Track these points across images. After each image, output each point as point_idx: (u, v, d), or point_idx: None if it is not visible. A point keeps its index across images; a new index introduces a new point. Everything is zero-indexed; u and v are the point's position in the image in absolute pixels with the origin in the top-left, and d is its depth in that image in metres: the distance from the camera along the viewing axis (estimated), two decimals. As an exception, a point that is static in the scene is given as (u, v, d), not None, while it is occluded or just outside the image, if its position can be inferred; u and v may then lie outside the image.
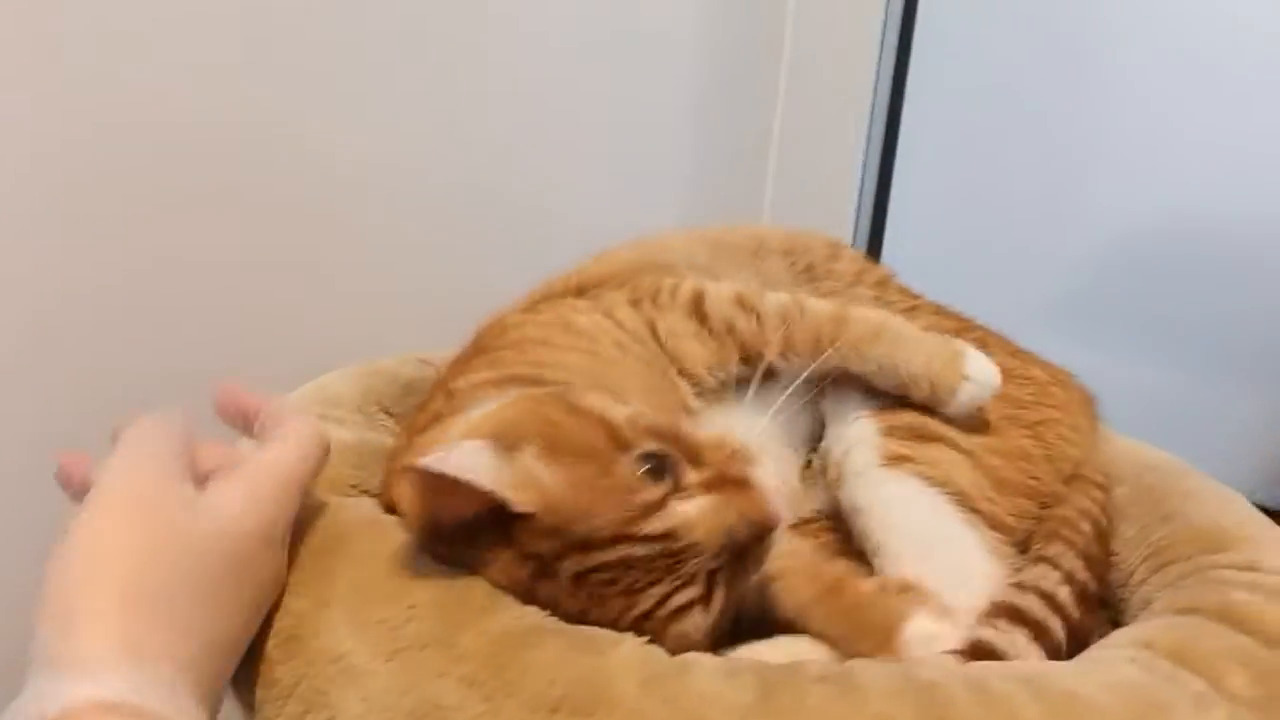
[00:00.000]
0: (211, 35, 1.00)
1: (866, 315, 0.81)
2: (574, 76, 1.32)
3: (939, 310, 0.98)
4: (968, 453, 0.80)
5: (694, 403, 0.80)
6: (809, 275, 1.00)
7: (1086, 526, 0.79)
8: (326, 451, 0.63)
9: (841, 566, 0.74)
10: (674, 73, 1.43)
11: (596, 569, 0.58)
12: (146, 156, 0.97)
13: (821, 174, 1.49)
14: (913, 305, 0.98)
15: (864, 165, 1.50)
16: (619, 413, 0.64)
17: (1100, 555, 0.79)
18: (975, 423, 0.82)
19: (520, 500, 0.57)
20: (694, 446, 0.63)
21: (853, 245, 1.46)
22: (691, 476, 0.61)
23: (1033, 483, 0.81)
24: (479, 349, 0.84)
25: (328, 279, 1.16)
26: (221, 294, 1.07)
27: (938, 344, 0.80)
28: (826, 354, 0.78)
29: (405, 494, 0.62)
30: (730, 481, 0.61)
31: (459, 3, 1.18)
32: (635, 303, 0.83)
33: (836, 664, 0.60)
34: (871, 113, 1.47)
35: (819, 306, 0.82)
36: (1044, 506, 0.81)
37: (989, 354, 0.83)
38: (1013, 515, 0.78)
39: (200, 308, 1.06)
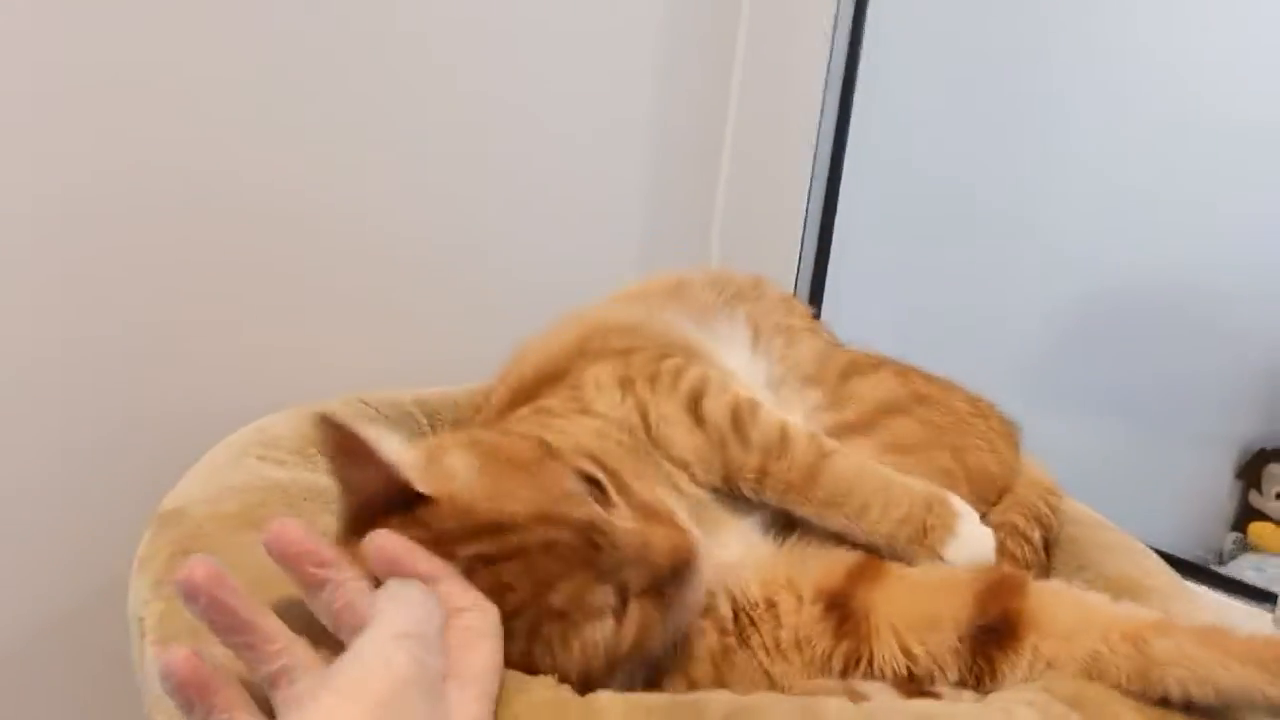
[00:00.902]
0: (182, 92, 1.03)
1: (841, 472, 0.75)
2: (530, 147, 1.36)
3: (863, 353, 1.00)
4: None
5: (687, 487, 0.75)
6: (739, 299, 1.01)
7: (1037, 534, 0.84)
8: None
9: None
10: (625, 142, 1.46)
11: (510, 554, 0.56)
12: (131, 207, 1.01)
13: (763, 252, 1.52)
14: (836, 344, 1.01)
15: (804, 235, 1.51)
16: (563, 441, 0.66)
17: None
18: (901, 446, 0.85)
19: (420, 480, 0.57)
20: (629, 487, 0.64)
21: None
22: (621, 504, 0.62)
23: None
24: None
25: (285, 321, 1.17)
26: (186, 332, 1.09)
27: (917, 513, 0.74)
28: (794, 505, 0.75)
29: None
30: (656, 515, 0.63)
31: (411, 59, 1.21)
32: (626, 383, 0.79)
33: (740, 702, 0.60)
34: (811, 184, 1.50)
35: (800, 448, 0.76)
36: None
37: (910, 387, 0.88)
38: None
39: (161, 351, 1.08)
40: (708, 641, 0.66)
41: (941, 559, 0.71)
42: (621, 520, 0.60)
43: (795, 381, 0.92)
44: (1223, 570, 1.81)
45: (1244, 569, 1.83)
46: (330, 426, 0.55)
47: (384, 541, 0.53)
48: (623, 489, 0.64)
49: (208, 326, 1.10)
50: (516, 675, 0.56)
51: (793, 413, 0.85)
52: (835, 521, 0.74)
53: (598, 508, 0.60)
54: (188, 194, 1.05)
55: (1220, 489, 2.05)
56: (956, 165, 1.66)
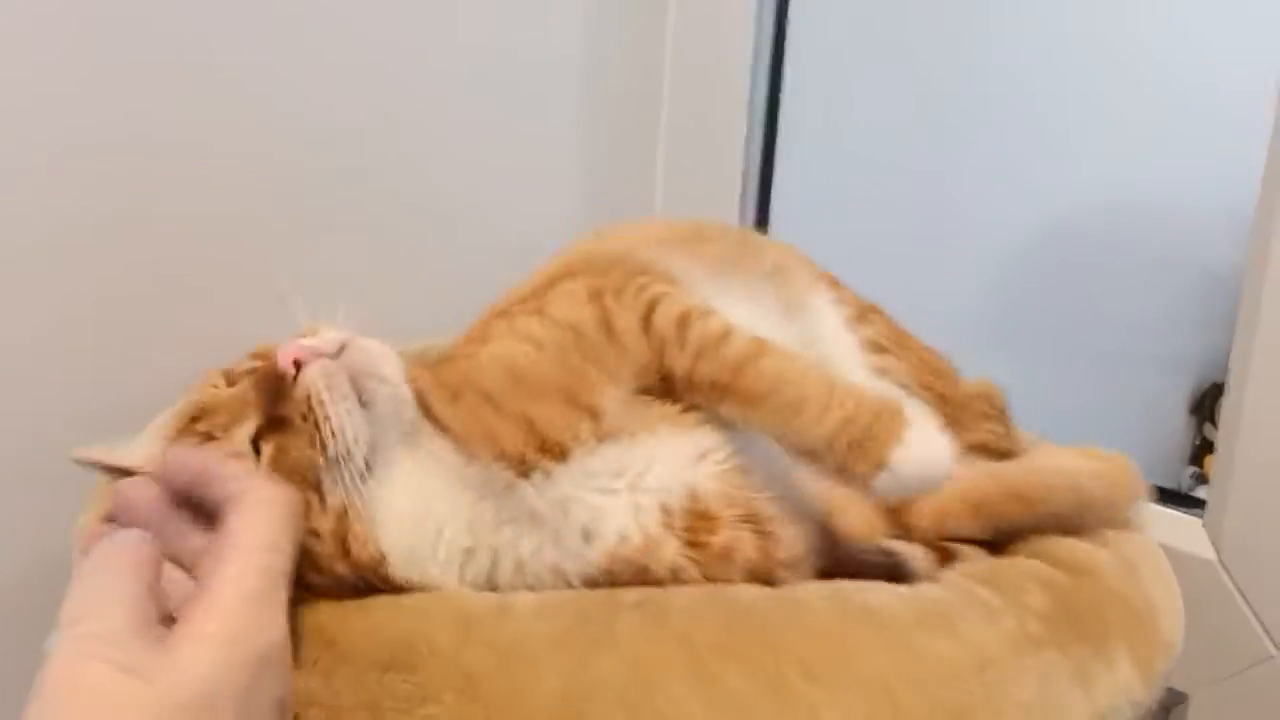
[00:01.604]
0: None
1: (772, 365, 0.66)
2: (462, 98, 1.37)
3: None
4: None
5: (605, 397, 0.67)
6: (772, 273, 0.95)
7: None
8: (299, 515, 0.57)
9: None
10: (559, 94, 1.47)
11: None
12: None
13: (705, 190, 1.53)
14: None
15: (744, 182, 1.52)
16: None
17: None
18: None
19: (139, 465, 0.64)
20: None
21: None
22: None
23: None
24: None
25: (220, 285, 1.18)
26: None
27: (865, 415, 0.63)
28: (720, 403, 0.67)
29: None
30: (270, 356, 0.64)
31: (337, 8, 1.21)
32: (595, 294, 0.74)
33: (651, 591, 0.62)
34: (749, 125, 1.50)
35: (738, 344, 0.68)
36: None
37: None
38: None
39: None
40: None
41: (885, 467, 0.61)
42: None
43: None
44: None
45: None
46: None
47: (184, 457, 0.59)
48: None
49: (164, 297, 1.09)
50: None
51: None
52: (762, 422, 0.65)
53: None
54: (145, 164, 1.05)
55: (1176, 423, 2.08)
56: (897, 104, 1.67)
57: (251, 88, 1.15)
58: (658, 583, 0.64)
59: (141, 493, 0.59)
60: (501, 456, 0.63)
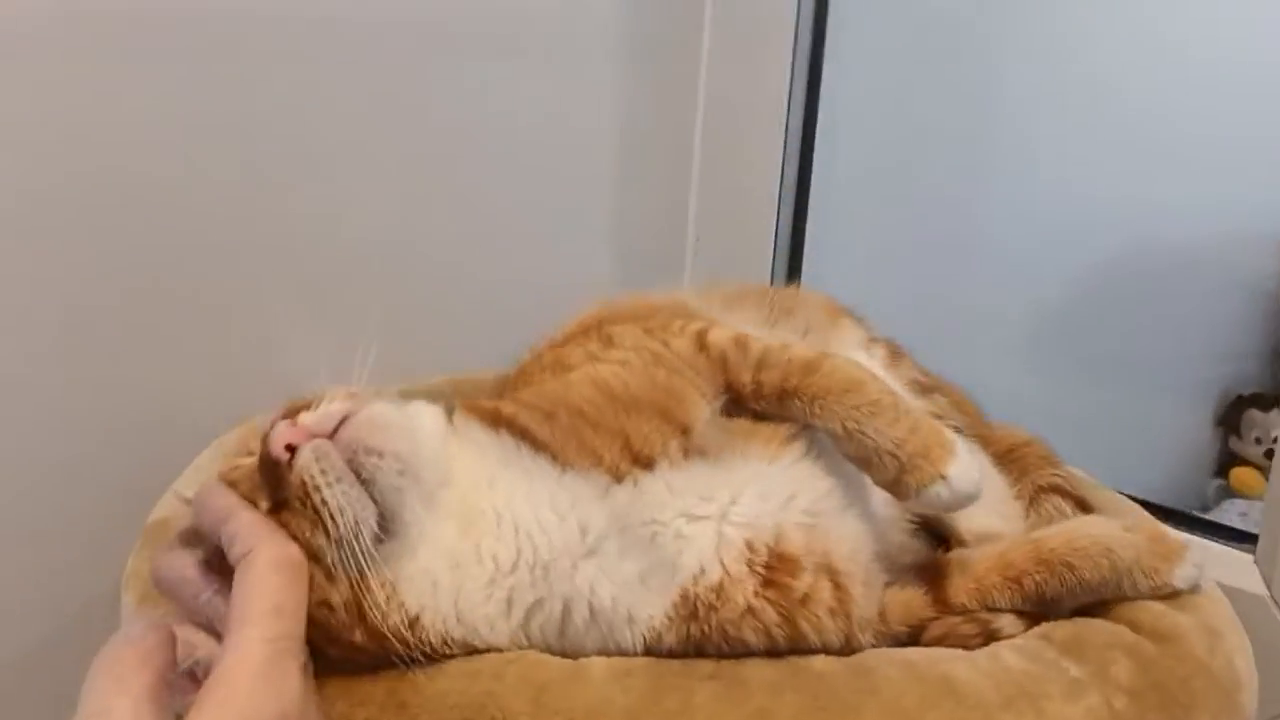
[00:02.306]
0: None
1: (843, 367, 0.70)
2: (497, 167, 1.35)
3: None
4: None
5: (696, 410, 0.67)
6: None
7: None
8: (303, 572, 0.57)
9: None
10: (592, 160, 1.46)
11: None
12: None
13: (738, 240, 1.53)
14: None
15: (779, 216, 1.51)
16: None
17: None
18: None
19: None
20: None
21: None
22: None
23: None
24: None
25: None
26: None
27: (925, 426, 0.68)
28: (790, 399, 0.68)
29: None
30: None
31: (379, 66, 1.19)
32: (647, 330, 0.77)
33: (726, 662, 0.61)
34: (784, 159, 1.48)
35: (800, 349, 0.71)
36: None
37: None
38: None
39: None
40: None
41: (943, 477, 0.64)
42: None
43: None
44: (1207, 517, 1.83)
45: (1229, 514, 1.84)
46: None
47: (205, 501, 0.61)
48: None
49: (197, 323, 1.08)
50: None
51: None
52: (838, 415, 0.66)
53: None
54: (170, 193, 1.04)
55: (1201, 437, 2.06)
56: (932, 146, 1.64)
57: (301, 162, 1.14)
58: (728, 631, 0.62)
59: (176, 563, 0.60)
60: (599, 464, 0.63)
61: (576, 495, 0.63)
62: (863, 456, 0.67)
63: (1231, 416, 2.03)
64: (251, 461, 0.61)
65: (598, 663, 0.60)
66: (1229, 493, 1.97)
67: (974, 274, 1.69)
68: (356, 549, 0.57)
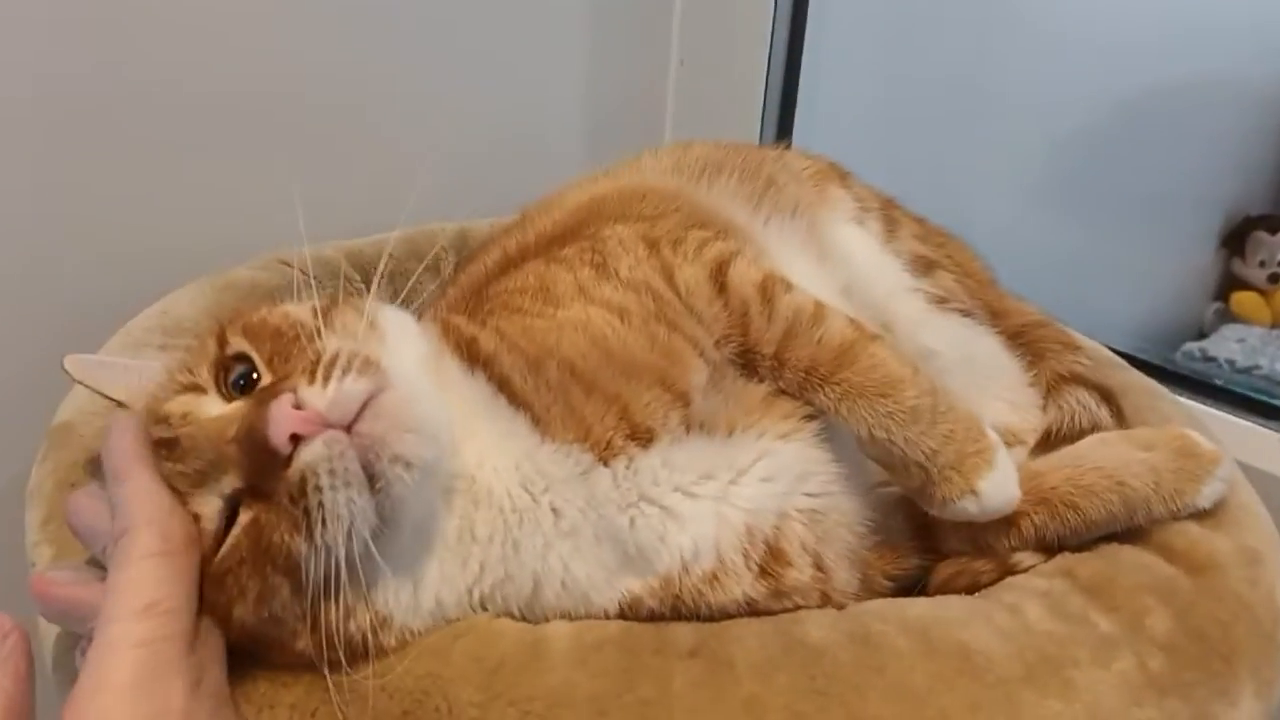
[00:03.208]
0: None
1: (882, 363, 0.61)
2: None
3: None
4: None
5: (695, 375, 0.59)
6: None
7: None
8: (189, 561, 0.48)
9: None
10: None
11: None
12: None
13: (727, 75, 1.37)
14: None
15: (770, 61, 1.36)
16: (253, 313, 0.55)
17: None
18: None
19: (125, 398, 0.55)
20: (290, 354, 0.52)
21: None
22: (262, 384, 0.51)
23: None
24: (476, 292, 0.71)
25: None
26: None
27: (961, 432, 0.60)
28: (816, 390, 0.60)
29: None
30: (265, 393, 0.49)
31: None
32: (652, 244, 0.67)
33: (708, 631, 0.53)
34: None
35: (837, 325, 0.62)
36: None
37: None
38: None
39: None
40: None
41: (974, 492, 0.58)
42: (229, 404, 0.51)
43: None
44: (1202, 345, 1.77)
45: (1226, 340, 1.79)
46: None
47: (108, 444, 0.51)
48: (282, 360, 0.52)
49: (110, 189, 0.97)
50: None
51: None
52: (867, 417, 0.59)
53: (202, 398, 0.51)
54: (86, 51, 0.93)
55: (1203, 258, 1.99)
56: None
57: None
58: (710, 607, 0.55)
59: (85, 510, 0.52)
60: (586, 438, 0.55)
61: (553, 476, 0.55)
62: (889, 464, 0.61)
63: (1237, 238, 1.95)
64: (210, 424, 0.49)
65: (562, 634, 0.52)
66: (1227, 317, 1.92)
67: (980, 108, 1.58)
68: (341, 560, 0.47)
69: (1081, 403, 0.75)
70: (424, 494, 0.51)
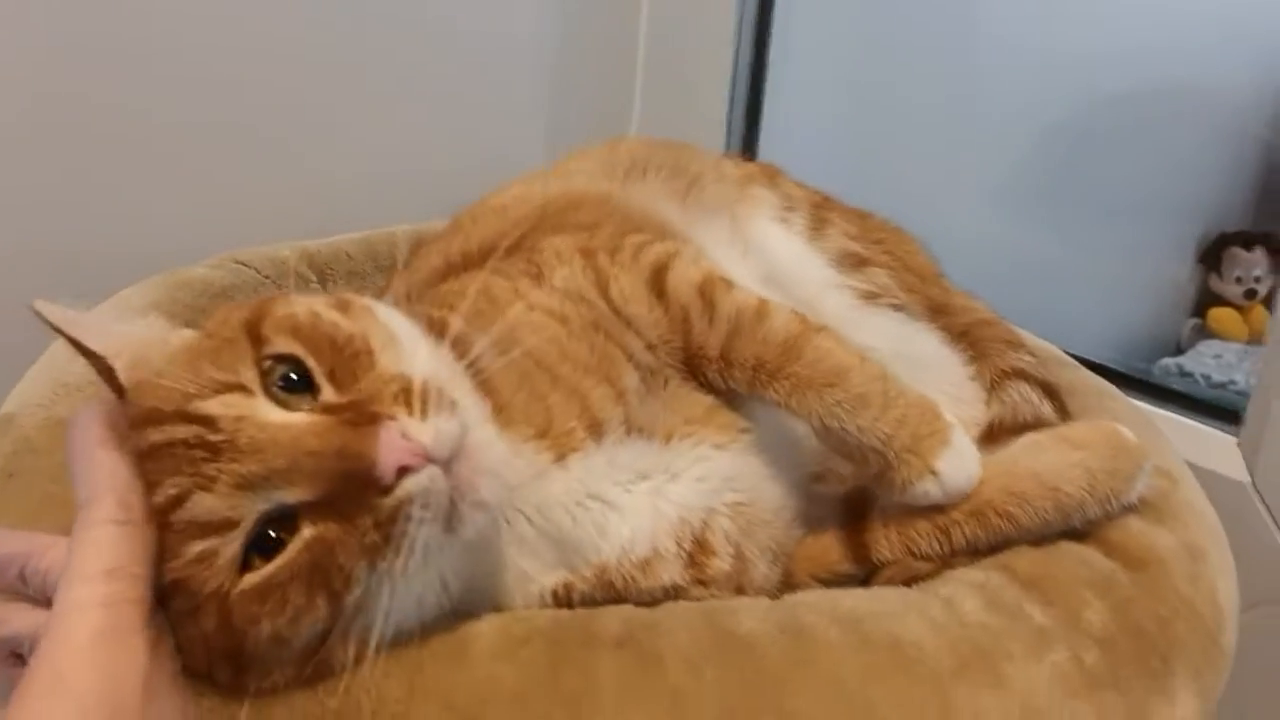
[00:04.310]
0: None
1: (828, 353, 0.61)
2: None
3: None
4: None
5: (629, 379, 0.60)
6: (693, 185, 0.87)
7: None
8: (147, 534, 0.47)
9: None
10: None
11: (149, 452, 0.47)
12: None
13: (691, 85, 1.37)
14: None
15: (735, 64, 1.37)
16: (283, 308, 0.52)
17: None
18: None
19: (100, 350, 0.51)
20: (355, 369, 0.50)
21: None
22: (326, 395, 0.49)
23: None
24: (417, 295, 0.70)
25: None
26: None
27: (915, 414, 0.60)
28: (765, 387, 0.61)
29: None
30: (356, 413, 0.47)
31: None
32: (588, 254, 0.68)
33: (637, 622, 0.53)
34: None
35: (780, 320, 0.63)
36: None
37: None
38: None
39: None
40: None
41: (933, 472, 0.58)
42: (296, 415, 0.48)
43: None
44: (1179, 361, 1.78)
45: (1203, 356, 1.79)
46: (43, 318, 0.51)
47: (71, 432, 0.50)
48: (346, 375, 0.49)
49: (64, 191, 0.97)
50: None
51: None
52: (817, 408, 0.59)
53: (261, 403, 0.48)
54: (44, 42, 0.93)
55: (1181, 275, 2.00)
56: None
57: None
58: (641, 592, 0.56)
59: None
60: (547, 433, 0.55)
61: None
62: (844, 451, 0.61)
63: (1213, 254, 1.96)
64: (286, 429, 0.46)
65: (486, 629, 0.51)
66: (1205, 333, 1.92)
67: (948, 119, 1.59)
68: (393, 589, 0.46)
69: (1024, 397, 0.76)
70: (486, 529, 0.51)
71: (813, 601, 0.55)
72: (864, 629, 0.52)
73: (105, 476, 0.47)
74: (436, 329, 0.57)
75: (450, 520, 0.47)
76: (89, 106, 0.97)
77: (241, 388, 0.48)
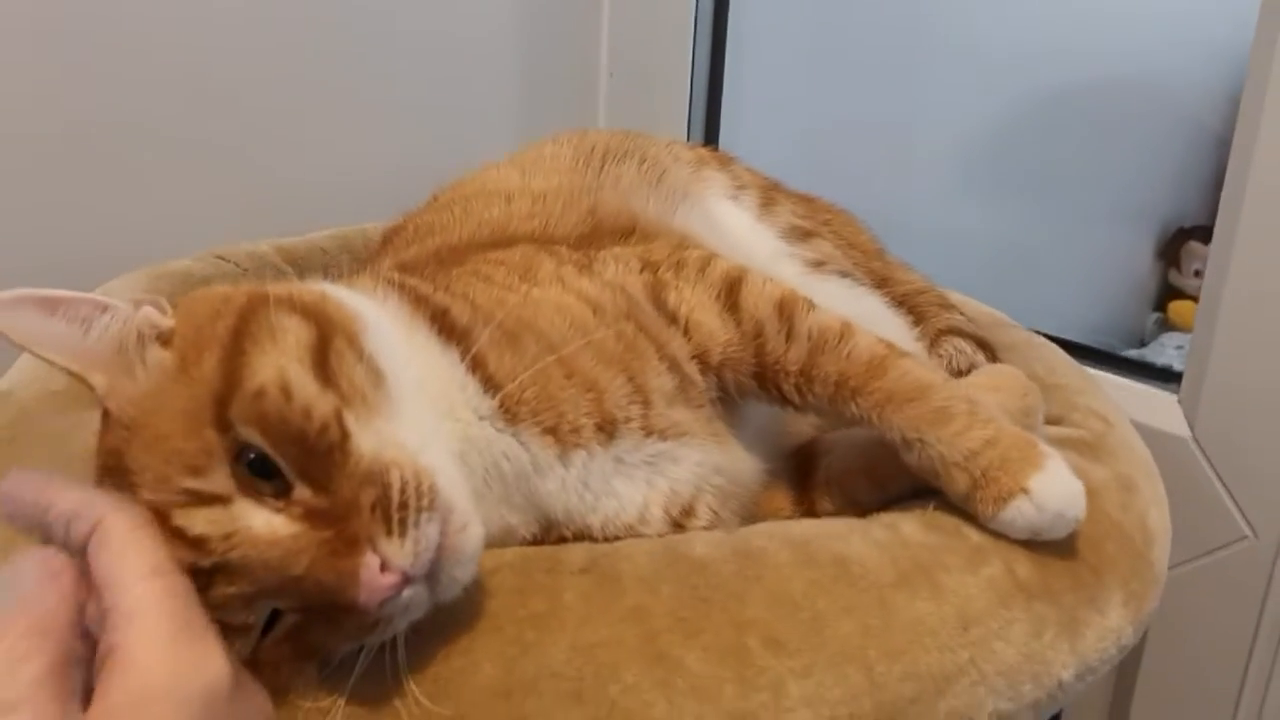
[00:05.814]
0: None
1: (911, 370, 0.62)
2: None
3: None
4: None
5: (656, 378, 0.61)
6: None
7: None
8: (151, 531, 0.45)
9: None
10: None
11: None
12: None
13: (652, 82, 1.42)
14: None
15: (694, 49, 1.41)
16: (253, 380, 0.48)
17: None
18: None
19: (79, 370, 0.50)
20: (329, 466, 0.47)
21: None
22: (299, 494, 0.47)
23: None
24: (439, 257, 0.72)
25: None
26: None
27: (1007, 438, 0.59)
28: (848, 402, 0.62)
29: None
30: (336, 533, 0.46)
31: None
32: (650, 265, 0.69)
33: (599, 551, 0.56)
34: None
35: (865, 342, 0.64)
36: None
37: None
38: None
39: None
40: None
41: (1025, 490, 0.56)
42: (275, 518, 0.46)
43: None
44: (1141, 353, 1.82)
45: (1165, 348, 1.83)
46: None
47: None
48: (322, 470, 0.47)
49: (52, 183, 1.01)
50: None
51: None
52: (898, 421, 0.60)
53: (242, 505, 0.46)
54: (29, 49, 0.97)
55: (1142, 269, 2.04)
56: None
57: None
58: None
59: (24, 482, 0.47)
60: (555, 428, 0.56)
61: (504, 472, 0.56)
62: (928, 468, 0.60)
63: (1172, 249, 2.01)
64: (235, 527, 0.45)
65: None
66: (1167, 326, 1.97)
67: (918, 106, 1.63)
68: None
69: (959, 349, 0.81)
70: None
71: (764, 529, 0.59)
72: (811, 549, 0.55)
73: (97, 497, 0.46)
74: (439, 319, 0.57)
75: (432, 589, 0.48)
76: (74, 113, 1.00)
77: (220, 499, 0.46)
